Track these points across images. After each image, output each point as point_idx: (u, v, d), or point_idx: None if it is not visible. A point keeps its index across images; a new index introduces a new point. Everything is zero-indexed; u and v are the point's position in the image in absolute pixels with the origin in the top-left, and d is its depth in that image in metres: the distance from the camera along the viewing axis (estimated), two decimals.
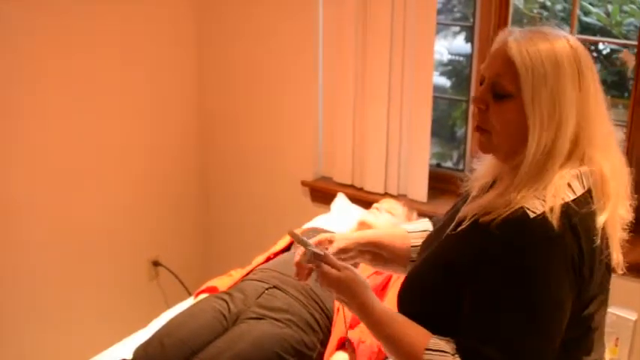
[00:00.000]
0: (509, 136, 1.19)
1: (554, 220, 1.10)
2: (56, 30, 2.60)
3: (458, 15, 3.23)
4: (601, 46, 3.13)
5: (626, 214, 1.25)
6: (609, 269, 1.22)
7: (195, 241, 3.47)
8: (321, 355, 1.97)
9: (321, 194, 2.99)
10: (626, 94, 2.89)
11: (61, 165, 2.76)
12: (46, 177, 2.72)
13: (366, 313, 1.26)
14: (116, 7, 2.78)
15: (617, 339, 2.05)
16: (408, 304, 1.27)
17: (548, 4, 3.13)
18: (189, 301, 2.26)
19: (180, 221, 3.38)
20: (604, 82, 1.23)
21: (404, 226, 1.55)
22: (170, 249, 3.32)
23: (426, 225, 1.51)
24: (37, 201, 2.70)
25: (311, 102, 2.92)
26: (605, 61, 3.03)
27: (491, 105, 1.20)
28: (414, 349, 1.18)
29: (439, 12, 2.58)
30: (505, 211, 1.14)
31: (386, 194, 2.82)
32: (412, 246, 1.46)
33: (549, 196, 1.11)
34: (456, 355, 1.15)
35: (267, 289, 2.08)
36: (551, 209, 1.10)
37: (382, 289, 2.07)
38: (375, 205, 2.52)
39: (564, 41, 1.19)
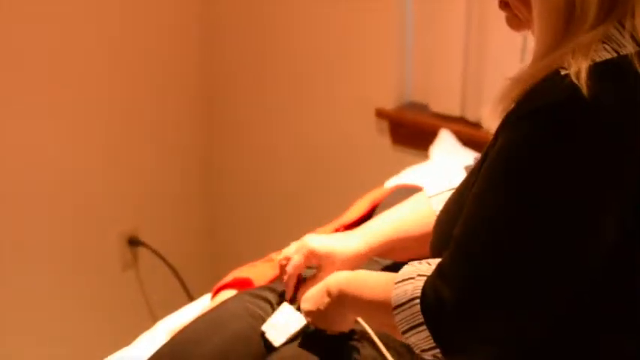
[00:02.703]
0: (524, 3, 1.36)
1: (583, 82, 1.20)
2: None
3: None
4: None
5: None
6: None
7: (197, 206, 3.56)
8: None
9: (409, 131, 3.01)
10: None
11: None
12: None
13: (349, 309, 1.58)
14: None
15: None
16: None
17: None
18: (202, 303, 2.22)
19: (173, 174, 3.45)
20: None
21: (425, 190, 1.81)
22: (155, 218, 3.40)
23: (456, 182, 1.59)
24: None
25: None
26: None
27: None
28: (386, 291, 1.40)
29: None
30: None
31: None
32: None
33: (574, 59, 1.24)
34: (419, 279, 1.35)
35: None
36: (578, 71, 1.22)
37: None
38: None
39: None
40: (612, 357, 1.32)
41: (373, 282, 1.50)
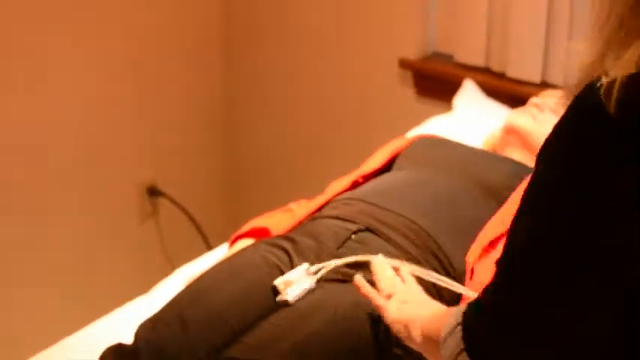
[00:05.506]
0: None
1: (613, 97, 1.10)
2: None
3: None
4: None
5: None
6: None
7: (217, 156, 3.57)
8: None
9: (433, 82, 3.01)
10: None
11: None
12: None
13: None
14: None
15: None
16: None
17: None
18: (219, 252, 2.24)
19: (193, 124, 3.46)
20: None
21: None
22: (175, 169, 3.40)
23: None
24: None
25: None
26: None
27: None
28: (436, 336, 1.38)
29: None
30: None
31: (544, 85, 2.75)
32: None
33: (616, 65, 1.13)
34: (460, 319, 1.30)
35: (354, 232, 2.00)
36: (612, 83, 1.11)
37: None
38: (533, 99, 2.41)
39: None
40: None
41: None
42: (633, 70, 1.10)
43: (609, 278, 1.13)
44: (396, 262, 1.76)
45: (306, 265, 1.83)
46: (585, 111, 1.14)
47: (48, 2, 2.89)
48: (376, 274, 1.72)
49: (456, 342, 1.29)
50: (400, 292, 1.65)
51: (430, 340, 1.45)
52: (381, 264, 1.75)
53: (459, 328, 1.28)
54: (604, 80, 1.11)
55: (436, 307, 1.56)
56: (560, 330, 1.18)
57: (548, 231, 1.15)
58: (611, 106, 1.09)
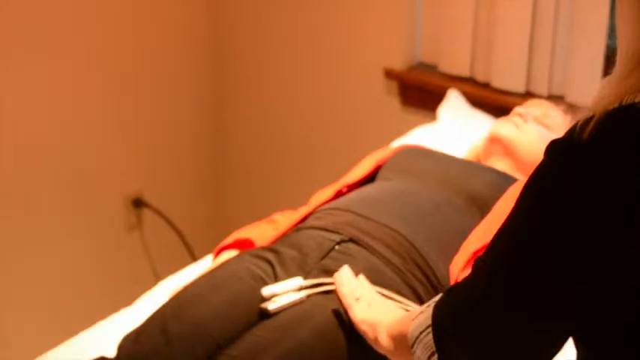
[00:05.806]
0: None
1: (589, 127, 1.12)
2: None
3: None
4: None
5: None
6: None
7: (202, 167, 3.57)
8: None
9: (419, 92, 3.00)
10: None
11: None
12: None
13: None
14: None
15: None
16: None
17: None
18: (204, 264, 2.24)
19: (178, 136, 3.45)
20: None
21: None
22: (159, 180, 3.41)
23: None
24: None
25: None
26: None
27: None
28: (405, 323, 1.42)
29: None
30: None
31: (528, 95, 2.75)
32: None
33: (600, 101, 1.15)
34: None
35: (338, 243, 1.99)
36: (592, 115, 1.13)
37: None
38: (517, 109, 2.41)
39: None
40: None
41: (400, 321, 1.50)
42: (616, 105, 1.12)
43: (609, 284, 1.12)
44: (360, 278, 1.79)
45: (299, 279, 1.83)
46: (561, 142, 1.15)
47: (43, 9, 2.89)
48: (342, 281, 1.78)
49: (428, 343, 1.30)
50: (364, 296, 1.71)
51: (397, 341, 1.48)
52: (346, 273, 1.80)
53: (429, 328, 1.30)
54: (589, 113, 1.13)
55: (398, 311, 1.63)
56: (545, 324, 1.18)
57: (538, 235, 1.15)
58: (586, 133, 1.11)
